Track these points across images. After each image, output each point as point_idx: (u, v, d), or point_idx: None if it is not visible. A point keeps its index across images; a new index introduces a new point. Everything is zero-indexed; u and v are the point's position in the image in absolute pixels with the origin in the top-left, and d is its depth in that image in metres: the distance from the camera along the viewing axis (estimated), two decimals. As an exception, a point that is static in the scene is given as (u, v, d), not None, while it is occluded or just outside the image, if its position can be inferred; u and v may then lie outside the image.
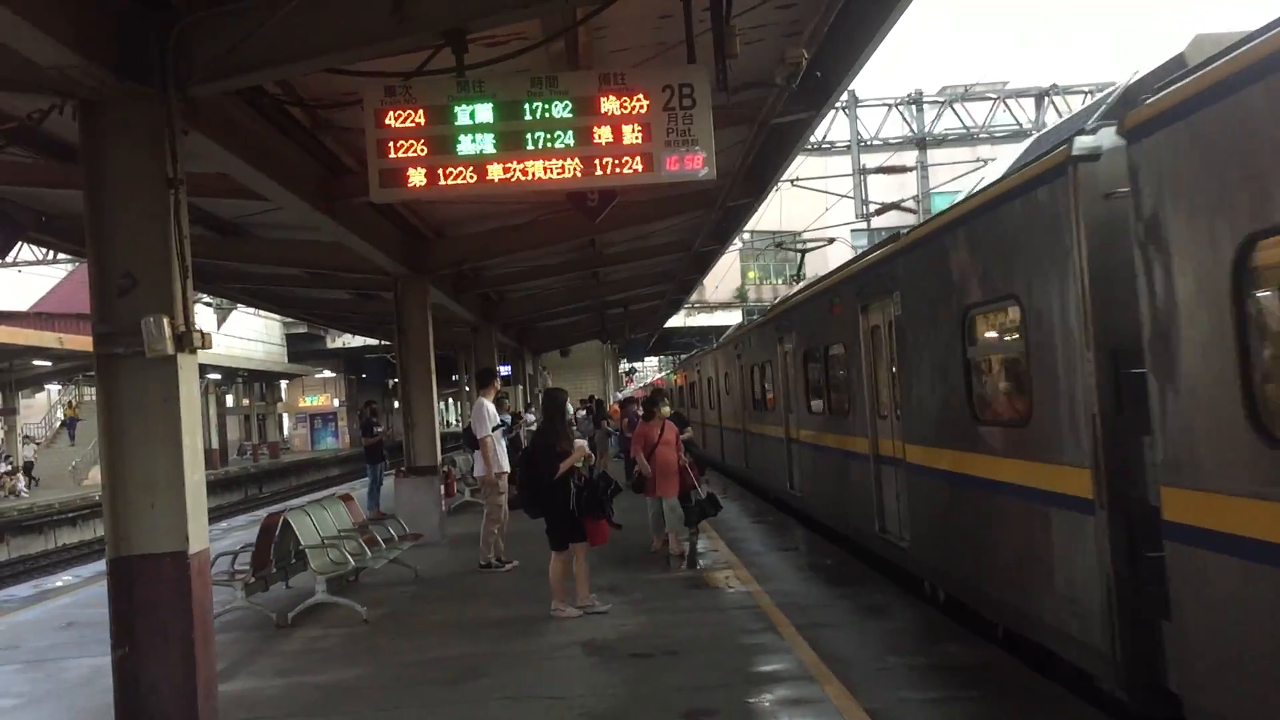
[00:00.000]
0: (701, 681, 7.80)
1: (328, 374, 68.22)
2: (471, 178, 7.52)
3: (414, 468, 16.51)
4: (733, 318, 46.17)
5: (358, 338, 45.60)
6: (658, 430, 13.00)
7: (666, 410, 13.34)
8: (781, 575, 11.97)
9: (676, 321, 44.75)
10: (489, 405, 13.68)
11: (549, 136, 7.55)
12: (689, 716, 7.01)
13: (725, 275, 45.27)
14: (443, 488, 17.43)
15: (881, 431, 11.48)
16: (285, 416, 70.83)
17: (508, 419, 14.50)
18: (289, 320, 50.69)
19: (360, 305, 24.27)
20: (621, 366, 54.55)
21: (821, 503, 15.02)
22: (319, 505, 12.34)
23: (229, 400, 58.74)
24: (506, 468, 13.59)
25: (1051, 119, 26.92)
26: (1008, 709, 6.94)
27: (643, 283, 26.88)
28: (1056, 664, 7.46)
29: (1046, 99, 26.63)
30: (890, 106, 27.43)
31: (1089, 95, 26.85)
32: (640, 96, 7.51)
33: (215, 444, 48.52)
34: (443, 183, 7.53)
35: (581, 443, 10.48)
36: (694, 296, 40.66)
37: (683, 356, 43.47)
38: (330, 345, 58.18)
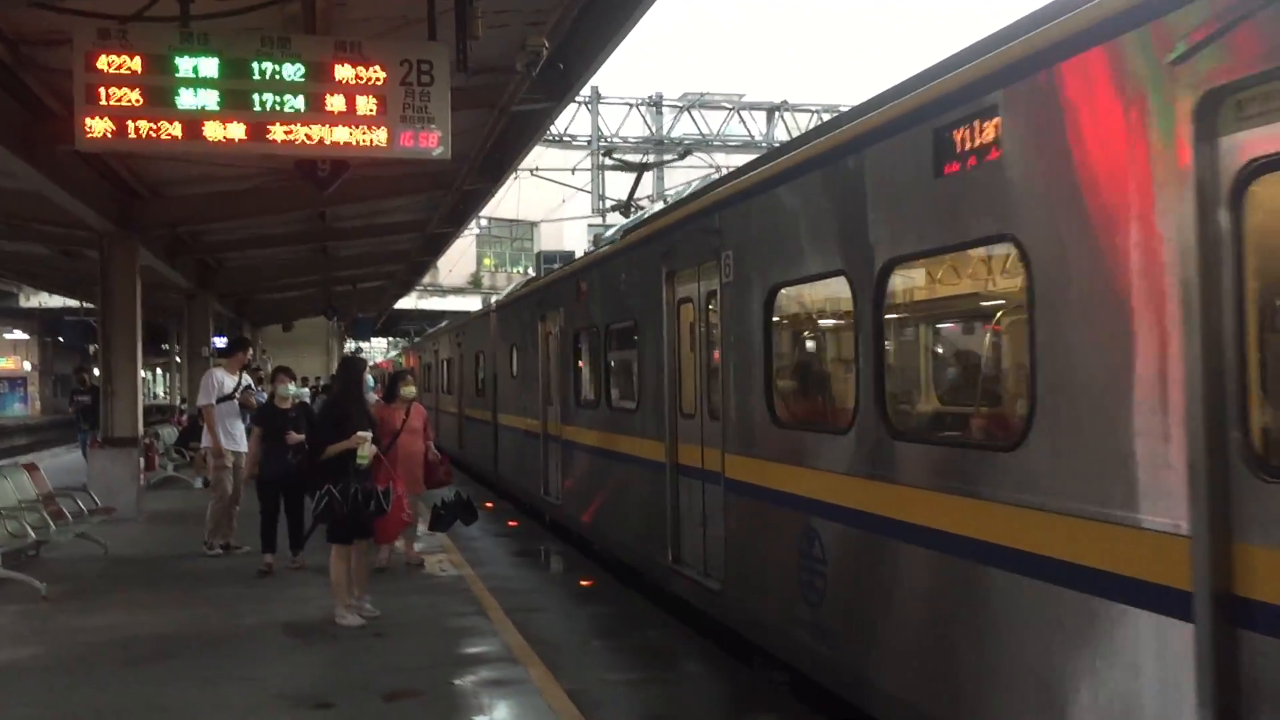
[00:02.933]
0: (406, 663, 7.74)
1: (20, 335, 62.80)
2: (190, 134, 7.17)
3: (111, 438, 15.50)
4: (466, 303, 45.86)
5: (56, 297, 42.25)
6: (401, 415, 11.05)
7: (411, 391, 11.36)
8: (495, 560, 12.04)
9: (408, 303, 44.04)
10: (216, 373, 12.68)
11: (278, 99, 7.31)
12: (391, 698, 6.94)
13: (460, 260, 44.93)
14: (143, 461, 16.44)
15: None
16: (-34, 378, 64.68)
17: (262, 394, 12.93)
18: (-24, 273, 46.32)
19: (60, 262, 22.52)
20: (348, 346, 53.12)
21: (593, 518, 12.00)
22: (-2, 473, 11.41)
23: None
24: (235, 446, 12.32)
25: (780, 134, 28.31)
26: (700, 688, 7.29)
27: (373, 260, 26.27)
28: (751, 650, 7.88)
29: (777, 114, 27.94)
30: (631, 106, 28.04)
31: (815, 115, 28.41)
32: (377, 68, 7.39)
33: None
34: (158, 136, 7.14)
35: (365, 435, 8.87)
36: (427, 279, 40.14)
37: (416, 339, 42.66)
38: (24, 304, 53.58)
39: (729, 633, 8.11)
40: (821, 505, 6.33)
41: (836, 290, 6.47)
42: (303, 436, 10.66)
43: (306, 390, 27.37)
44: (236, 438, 12.45)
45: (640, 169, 17.94)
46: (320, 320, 38.28)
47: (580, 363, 12.77)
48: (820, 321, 7.39)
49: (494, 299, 22.35)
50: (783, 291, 7.08)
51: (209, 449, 12.39)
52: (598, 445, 11.66)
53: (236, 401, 12.52)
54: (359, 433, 8.85)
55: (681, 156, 22.30)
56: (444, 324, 30.68)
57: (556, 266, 16.04)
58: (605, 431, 11.36)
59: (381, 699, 6.91)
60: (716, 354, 8.18)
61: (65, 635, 8.58)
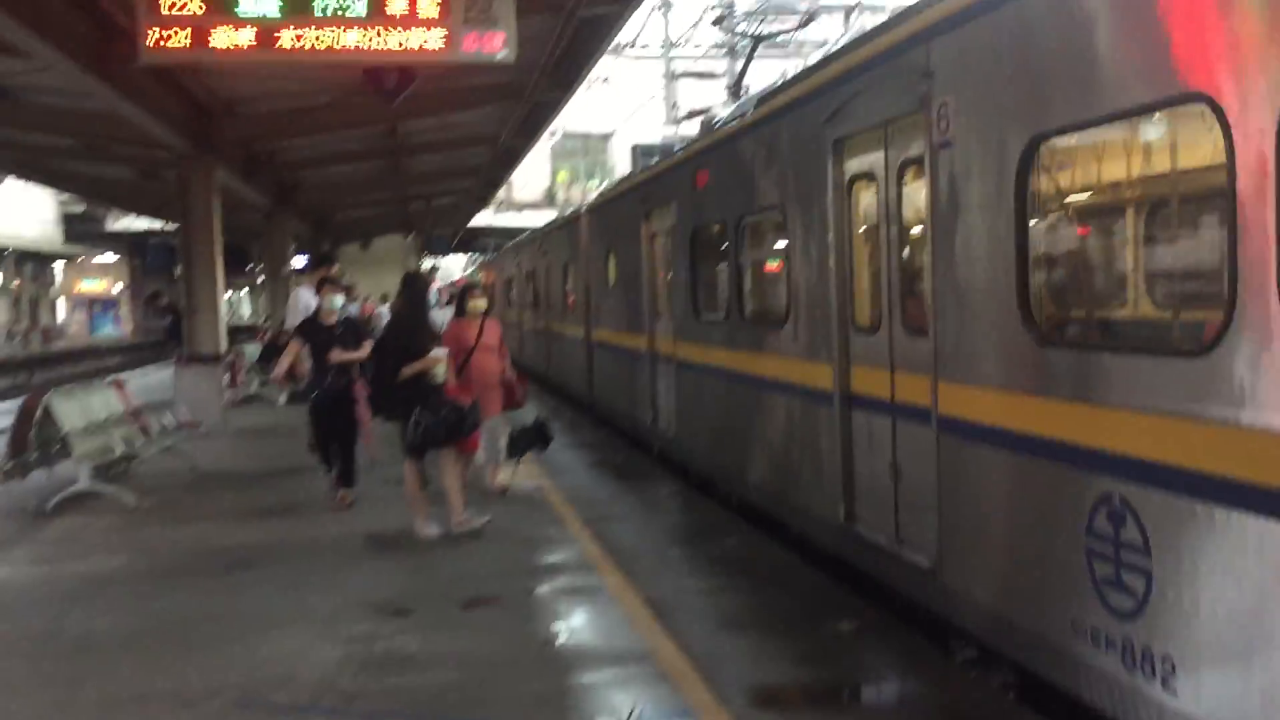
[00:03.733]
0: (484, 571, 7.79)
1: (108, 258, 64.33)
2: (254, 42, 7.07)
3: (195, 355, 15.79)
4: (541, 218, 45.79)
5: (142, 220, 43.04)
6: (475, 331, 10.23)
7: (481, 305, 10.52)
8: (571, 470, 12.05)
9: (483, 219, 44.07)
10: (302, 293, 12.34)
11: (340, 5, 7.17)
12: (470, 604, 6.98)
13: (534, 175, 44.82)
14: (228, 377, 16.74)
15: None
16: (61, 300, 66.58)
17: (352, 309, 12.41)
18: (65, 199, 47.38)
19: (142, 184, 22.83)
20: (425, 263, 53.55)
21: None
22: (85, 389, 11.65)
23: (-4, 281, 54.80)
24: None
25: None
26: (776, 595, 7.18)
27: (447, 176, 26.25)
28: (819, 557, 7.78)
29: (855, 14, 27.05)
30: (704, 11, 27.38)
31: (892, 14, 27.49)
32: (439, -32, 7.20)
33: (-20, 327, 45.27)
34: (222, 45, 7.06)
35: (441, 352, 8.68)
36: (501, 195, 40.07)
37: (493, 253, 42.58)
38: (111, 228, 54.75)
39: (811, 546, 8.00)
40: (1145, 468, 4.23)
41: (1175, 128, 4.56)
42: (354, 354, 9.90)
43: (386, 308, 27.59)
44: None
45: (756, 41, 15.04)
46: (397, 238, 38.52)
47: (700, 267, 10.71)
48: (1130, 181, 5.14)
49: (582, 203, 19.42)
50: (1052, 142, 4.97)
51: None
52: (727, 367, 9.66)
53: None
54: (435, 350, 8.66)
55: (804, 24, 18.61)
56: (526, 234, 28.21)
57: (656, 162, 13.69)
58: (738, 350, 9.39)
59: (459, 606, 6.95)
60: (917, 246, 6.28)
61: (153, 546, 8.78)
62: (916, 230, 6.29)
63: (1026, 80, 4.99)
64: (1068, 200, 5.38)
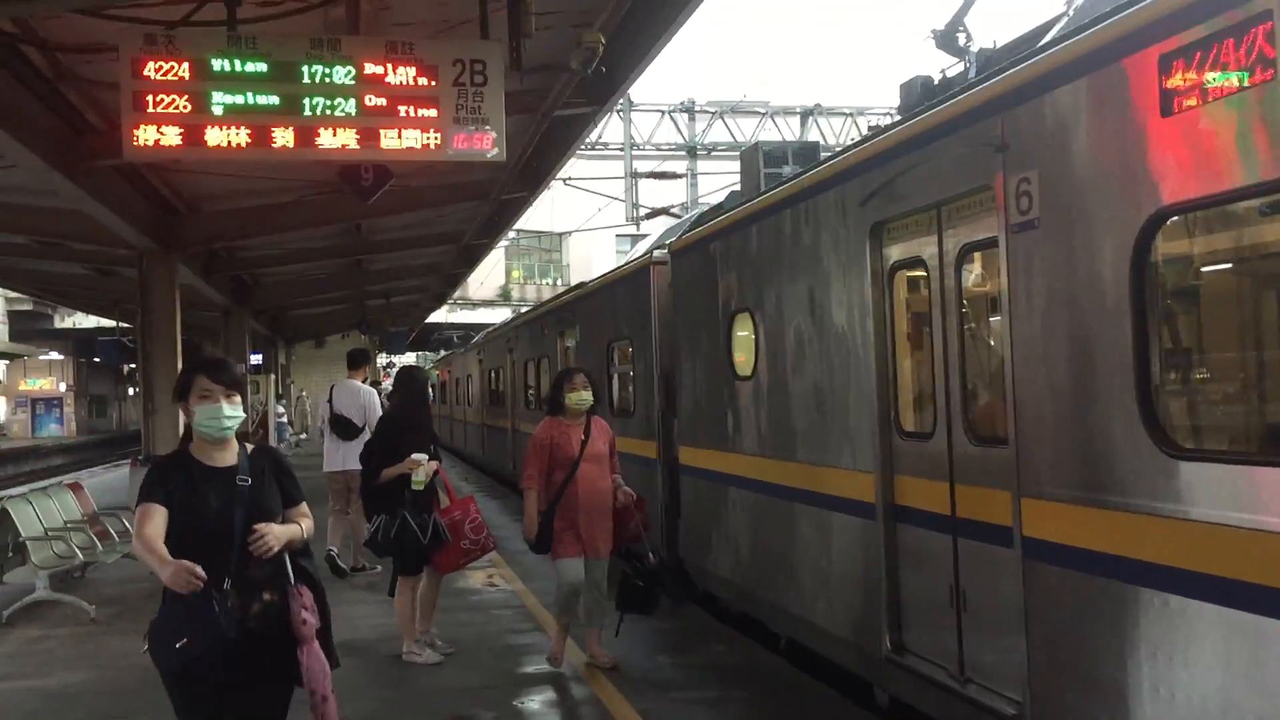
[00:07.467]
0: (466, 684, 7.49)
1: (55, 356, 63.19)
2: (241, 141, 6.95)
3: (154, 457, 15.35)
4: (496, 315, 45.78)
5: (90, 317, 42.44)
6: (579, 435, 7.62)
7: (583, 399, 7.64)
8: (544, 574, 11.71)
9: (438, 317, 43.99)
10: (364, 388, 11.99)
11: (329, 103, 7.09)
12: (455, 721, 6.69)
13: (490, 273, 44.88)
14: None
15: None
16: (2, 400, 65.07)
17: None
18: (11, 295, 46.65)
19: (97, 282, 22.49)
20: (380, 360, 53.16)
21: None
22: (42, 493, 11.23)
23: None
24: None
25: (813, 137, 28.03)
26: (776, 706, 6.97)
27: (408, 274, 26.16)
28: (825, 665, 7.56)
29: (811, 118, 27.67)
30: (663, 113, 27.86)
31: (849, 118, 28.10)
32: (430, 69, 7.17)
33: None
34: (207, 144, 6.93)
35: (421, 457, 7.87)
36: (457, 292, 40.08)
37: (442, 353, 42.15)
38: (59, 325, 53.93)
39: (811, 654, 7.77)
40: None
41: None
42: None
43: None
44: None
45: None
46: (352, 336, 38.25)
47: None
48: None
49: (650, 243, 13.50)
50: None
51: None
52: None
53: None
54: (413, 455, 7.85)
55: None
56: (555, 298, 19.99)
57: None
58: None
59: (447, 722, 6.65)
60: None
61: (116, 658, 8.35)
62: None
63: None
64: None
